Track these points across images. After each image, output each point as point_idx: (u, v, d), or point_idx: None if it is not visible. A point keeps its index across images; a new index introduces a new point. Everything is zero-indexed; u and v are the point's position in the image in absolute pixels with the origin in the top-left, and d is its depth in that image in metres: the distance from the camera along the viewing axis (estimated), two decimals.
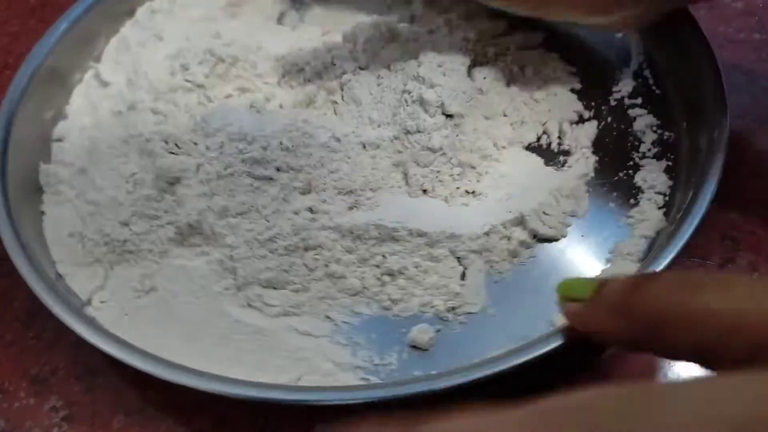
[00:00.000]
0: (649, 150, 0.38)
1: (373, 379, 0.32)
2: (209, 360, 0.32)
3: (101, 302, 0.35)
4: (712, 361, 0.18)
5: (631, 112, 0.40)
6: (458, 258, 0.35)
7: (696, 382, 0.17)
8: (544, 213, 0.36)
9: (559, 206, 0.36)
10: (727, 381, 0.16)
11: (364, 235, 0.35)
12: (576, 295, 0.26)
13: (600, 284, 0.25)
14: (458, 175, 0.37)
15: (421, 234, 0.34)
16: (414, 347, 0.33)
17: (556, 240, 0.36)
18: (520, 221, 0.36)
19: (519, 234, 0.35)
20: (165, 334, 0.34)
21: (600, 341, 0.25)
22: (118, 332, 0.33)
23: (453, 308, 0.34)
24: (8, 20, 0.52)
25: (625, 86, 0.41)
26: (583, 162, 0.38)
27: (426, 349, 0.33)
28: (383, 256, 0.34)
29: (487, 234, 0.35)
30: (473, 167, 0.38)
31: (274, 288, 0.34)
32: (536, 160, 0.39)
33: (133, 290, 0.35)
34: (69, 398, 0.34)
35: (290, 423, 0.32)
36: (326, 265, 0.34)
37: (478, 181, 0.37)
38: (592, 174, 0.38)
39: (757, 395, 0.15)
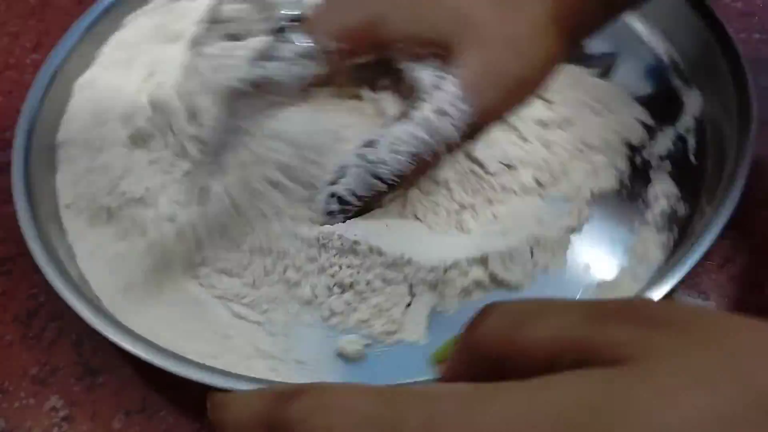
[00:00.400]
0: (654, 219, 0.37)
1: (283, 372, 0.32)
2: (143, 316, 0.33)
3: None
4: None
5: (653, 174, 0.38)
6: (410, 285, 0.34)
7: (525, 383, 0.18)
8: (510, 259, 0.34)
9: (531, 256, 0.35)
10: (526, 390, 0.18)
11: (328, 244, 0.34)
12: (443, 358, 0.26)
13: (455, 341, 0.25)
14: (455, 212, 0.36)
15: (380, 253, 0.33)
16: (341, 356, 0.33)
17: (517, 288, 0.34)
18: (483, 261, 0.34)
19: (476, 273, 0.34)
20: (116, 281, 0.35)
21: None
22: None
23: (388, 333, 0.33)
24: (8, 20, 0.52)
25: (659, 146, 0.39)
26: (576, 213, 0.36)
27: (353, 360, 0.33)
28: (339, 267, 0.34)
29: (446, 269, 0.34)
30: (473, 208, 0.36)
31: (228, 276, 0.35)
32: (533, 203, 0.37)
33: (115, 235, 0.36)
34: (69, 398, 0.34)
35: None
36: (284, 271, 0.34)
37: (472, 218, 0.36)
38: (579, 229, 0.36)
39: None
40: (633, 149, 0.38)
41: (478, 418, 0.18)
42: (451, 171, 0.36)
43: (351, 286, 0.34)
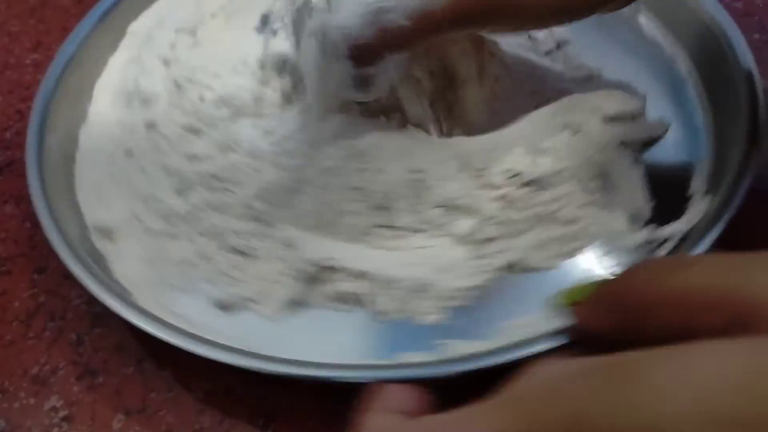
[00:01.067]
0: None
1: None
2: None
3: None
4: (689, 338, 0.18)
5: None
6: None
7: (676, 349, 0.17)
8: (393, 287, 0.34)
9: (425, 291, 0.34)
10: (719, 349, 0.17)
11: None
12: (577, 299, 0.26)
13: (597, 285, 0.25)
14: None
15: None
16: None
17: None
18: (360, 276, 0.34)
19: (341, 284, 0.34)
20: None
21: (604, 338, 0.25)
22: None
23: None
24: (8, 20, 0.52)
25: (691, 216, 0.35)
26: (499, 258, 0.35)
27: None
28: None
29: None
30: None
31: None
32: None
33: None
34: (69, 398, 0.34)
35: (290, 423, 0.32)
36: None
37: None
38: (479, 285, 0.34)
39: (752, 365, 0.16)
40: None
41: (634, 391, 0.16)
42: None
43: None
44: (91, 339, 0.35)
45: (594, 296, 0.25)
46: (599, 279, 0.26)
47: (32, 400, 0.34)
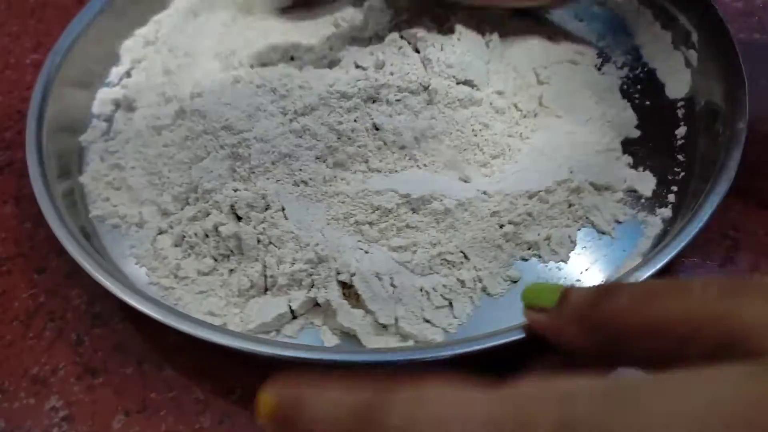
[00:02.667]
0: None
1: None
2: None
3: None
4: (667, 365, 0.19)
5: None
6: None
7: (671, 377, 0.17)
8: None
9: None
10: (705, 377, 0.17)
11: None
12: (540, 303, 0.26)
13: (563, 294, 0.25)
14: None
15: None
16: None
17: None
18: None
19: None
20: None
21: (563, 348, 0.25)
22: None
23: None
24: (8, 20, 0.52)
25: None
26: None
27: None
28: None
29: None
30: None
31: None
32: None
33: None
34: (69, 398, 0.34)
35: None
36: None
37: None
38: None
39: (740, 392, 0.16)
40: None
41: (631, 419, 0.16)
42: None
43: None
44: (91, 339, 0.35)
45: (559, 308, 0.25)
46: (562, 285, 0.26)
47: (32, 400, 0.34)
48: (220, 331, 0.32)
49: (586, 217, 0.36)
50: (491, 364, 0.27)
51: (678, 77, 0.41)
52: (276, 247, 0.34)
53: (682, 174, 0.38)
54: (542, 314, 0.26)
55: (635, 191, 0.37)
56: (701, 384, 0.16)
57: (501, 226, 0.35)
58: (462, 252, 0.35)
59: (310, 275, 0.34)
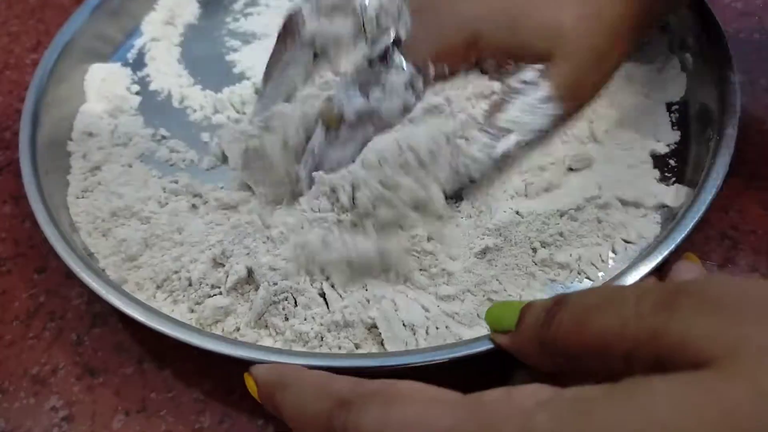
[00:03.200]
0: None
1: None
2: None
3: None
4: (619, 378, 0.19)
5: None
6: None
7: (616, 389, 0.18)
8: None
9: None
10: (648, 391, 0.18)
11: None
12: (502, 324, 0.27)
13: (521, 313, 0.26)
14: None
15: None
16: None
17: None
18: None
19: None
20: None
21: (530, 365, 0.26)
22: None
23: None
24: (8, 20, 0.52)
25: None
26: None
27: None
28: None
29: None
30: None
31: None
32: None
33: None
34: (69, 398, 0.34)
35: None
36: None
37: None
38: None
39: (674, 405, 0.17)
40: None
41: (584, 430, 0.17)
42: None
43: None
44: (91, 339, 0.35)
45: (517, 330, 0.25)
46: (521, 303, 0.26)
47: (32, 400, 0.34)
48: (214, 338, 0.31)
49: (615, 235, 0.35)
50: (481, 370, 0.27)
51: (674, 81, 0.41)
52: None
53: (673, 179, 0.37)
54: (504, 336, 0.26)
55: (665, 206, 0.36)
56: (642, 396, 0.18)
57: (534, 250, 0.35)
58: (497, 280, 0.34)
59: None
